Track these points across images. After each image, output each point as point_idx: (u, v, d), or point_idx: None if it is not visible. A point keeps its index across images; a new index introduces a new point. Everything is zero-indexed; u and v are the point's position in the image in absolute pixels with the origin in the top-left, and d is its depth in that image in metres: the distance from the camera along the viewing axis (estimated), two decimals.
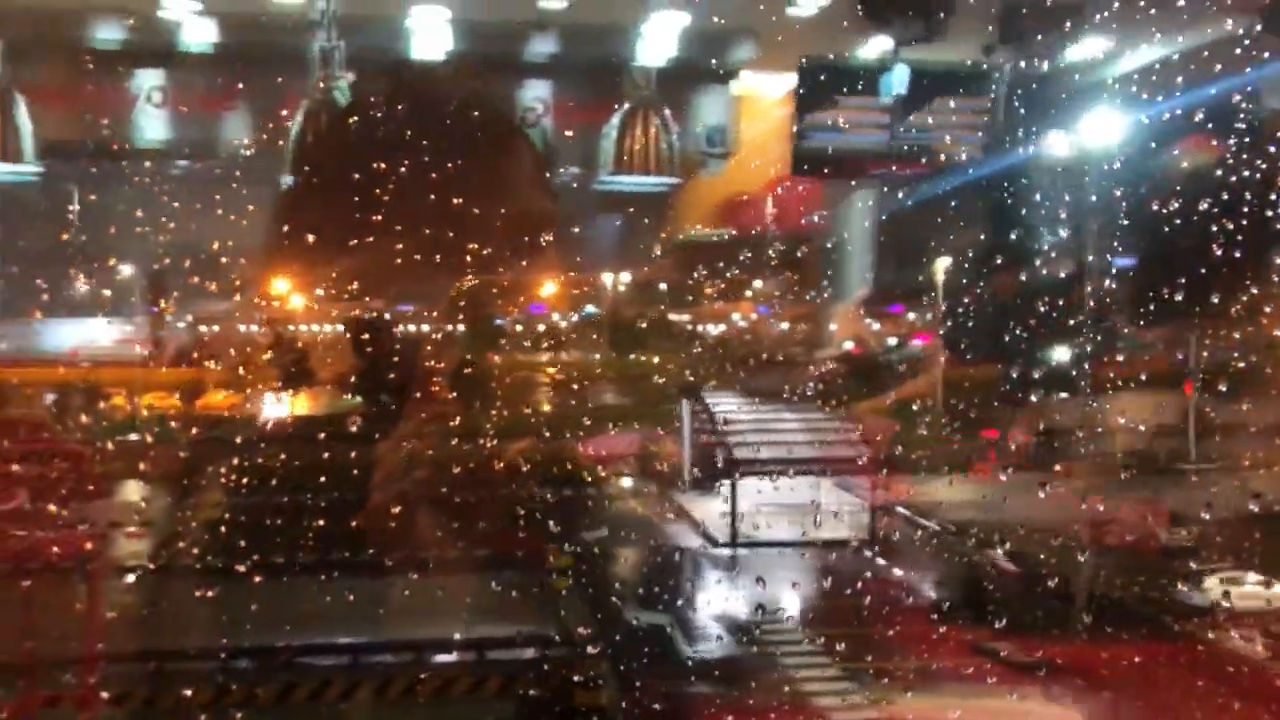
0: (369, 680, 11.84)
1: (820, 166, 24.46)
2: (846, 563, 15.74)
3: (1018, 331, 19.47)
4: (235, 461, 15.37)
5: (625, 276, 25.88)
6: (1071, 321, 16.91)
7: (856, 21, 22.98)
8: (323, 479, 13.97)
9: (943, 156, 24.13)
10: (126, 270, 23.01)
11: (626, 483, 19.06)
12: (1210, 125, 20.27)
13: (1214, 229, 14.94)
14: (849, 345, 25.60)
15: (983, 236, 23.66)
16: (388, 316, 14.34)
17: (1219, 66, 20.53)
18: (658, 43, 23.84)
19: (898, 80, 23.74)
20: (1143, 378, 19.83)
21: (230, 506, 14.54)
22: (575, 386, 20.21)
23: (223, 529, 14.19)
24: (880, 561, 16.07)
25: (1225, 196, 15.79)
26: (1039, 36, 23.14)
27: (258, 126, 24.42)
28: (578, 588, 14.08)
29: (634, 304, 25.71)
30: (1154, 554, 15.29)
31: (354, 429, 14.34)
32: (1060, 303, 18.39)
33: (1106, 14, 21.97)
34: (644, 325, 24.79)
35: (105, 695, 10.84)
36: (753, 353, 24.58)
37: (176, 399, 20.93)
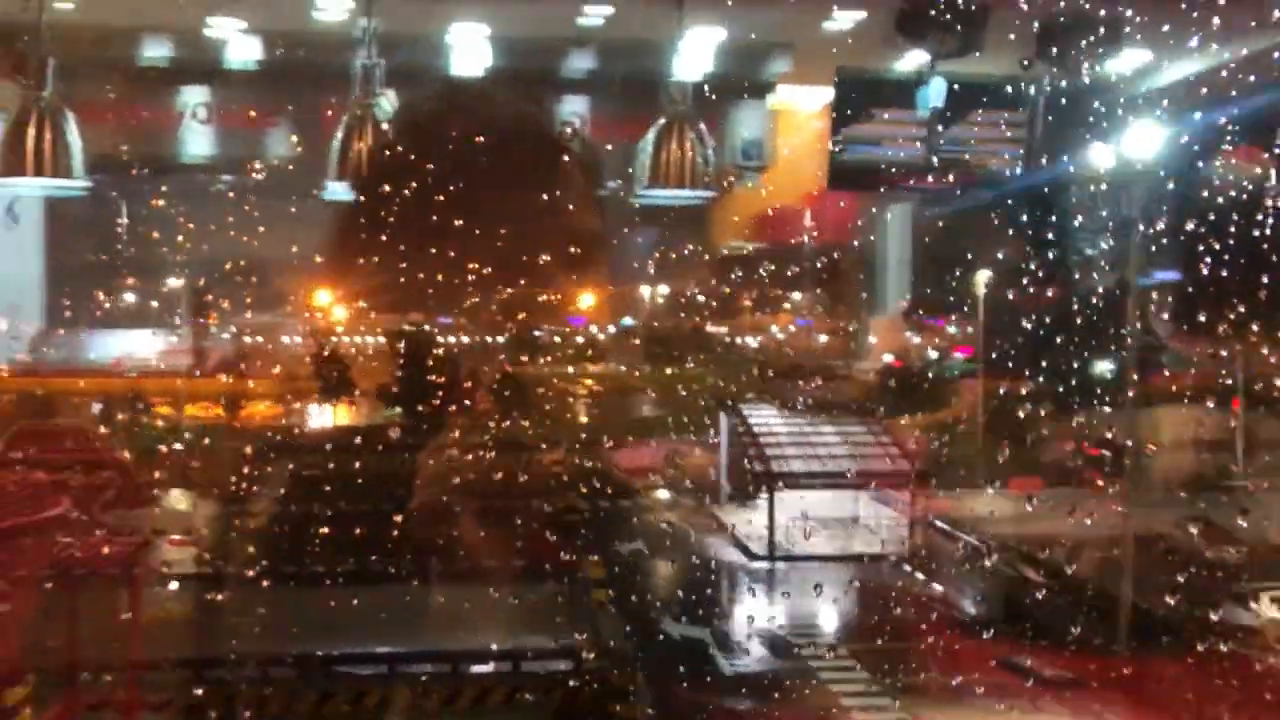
0: (406, 689, 11.91)
1: (857, 179, 24.36)
2: (885, 577, 15.64)
3: (1059, 345, 19.30)
4: (277, 471, 15.56)
5: (663, 289, 25.90)
6: (1114, 335, 16.72)
7: (892, 36, 22.93)
8: (363, 488, 14.11)
9: (981, 169, 23.98)
10: (172, 282, 23.41)
11: (663, 495, 19.07)
12: (1254, 138, 20.00)
13: (1258, 242, 14.73)
14: (889, 358, 25.46)
15: (1022, 249, 23.48)
16: (428, 328, 14.49)
17: (1262, 78, 20.27)
18: (694, 58, 23.86)
19: (934, 93, 23.62)
20: (1187, 393, 19.60)
21: (272, 515, 14.71)
22: (613, 398, 20.28)
23: (264, 537, 14.35)
24: (919, 576, 15.96)
25: (1270, 209, 15.57)
26: (1077, 49, 22.95)
27: (300, 142, 24.74)
28: (614, 599, 14.08)
29: (672, 316, 25.73)
30: (1200, 571, 15.06)
31: (394, 439, 14.48)
32: (1102, 316, 18.20)
33: (1145, 26, 21.77)
34: (681, 337, 24.80)
35: (147, 701, 10.99)
36: (792, 365, 24.55)
37: (220, 409, 21.22)
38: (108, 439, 18.43)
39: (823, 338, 26.99)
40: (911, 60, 23.99)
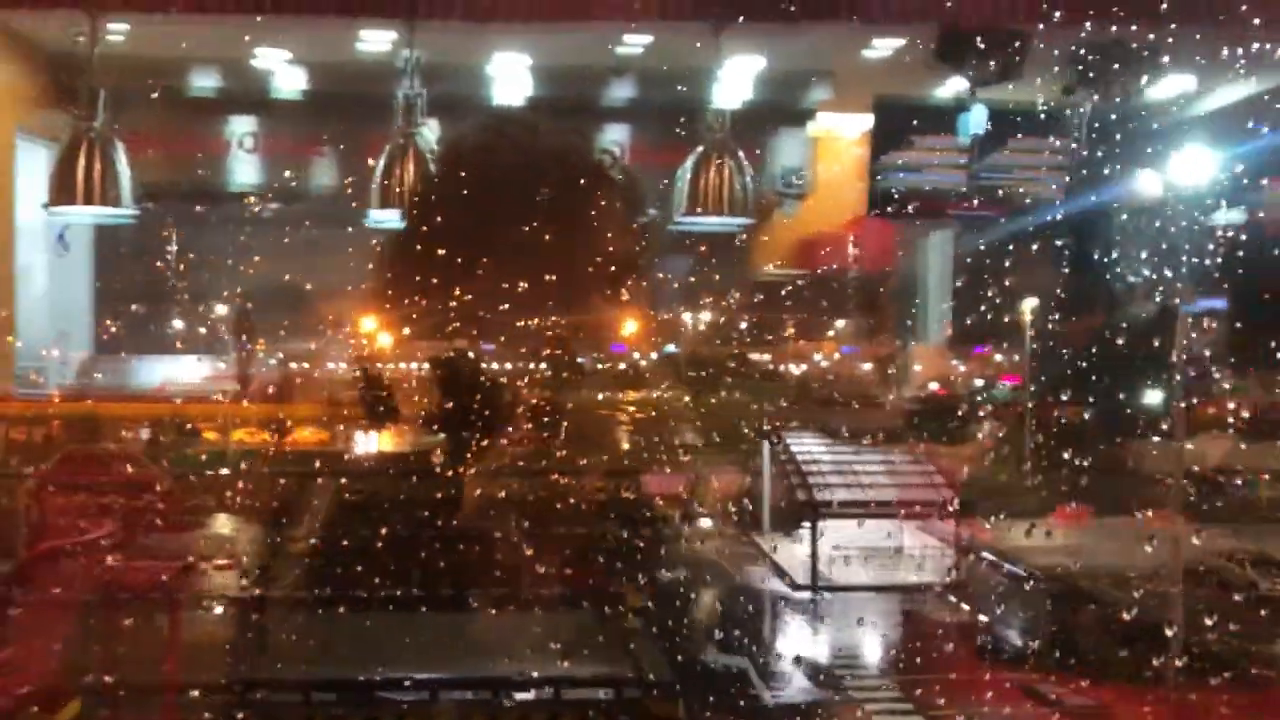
0: (447, 716, 11.88)
1: (898, 206, 24.34)
2: (930, 608, 15.45)
3: (1106, 373, 19.08)
4: (321, 496, 15.65)
5: (705, 316, 25.88)
6: (1161, 364, 16.49)
7: (932, 63, 22.94)
8: (406, 514, 14.15)
9: (1023, 196, 23.85)
10: (219, 309, 23.75)
11: (705, 523, 18.98)
12: None
13: None
14: (934, 386, 25.26)
15: (1067, 277, 23.27)
16: (471, 355, 14.54)
17: None
18: (733, 85, 24.01)
19: (975, 120, 23.59)
20: (1237, 422, 19.26)
21: (315, 540, 14.78)
22: (654, 425, 20.23)
23: (307, 562, 14.42)
24: (964, 607, 15.75)
25: None
26: (1119, 76, 22.82)
27: (344, 171, 25.12)
28: (654, 628, 13.99)
29: (714, 343, 25.68)
30: (1253, 603, 14.74)
31: (437, 465, 14.52)
32: (1149, 344, 17.96)
33: (1188, 52, 21.64)
34: (724, 364, 24.73)
35: None
36: (835, 393, 24.42)
37: (265, 434, 21.42)
38: (153, 463, 18.64)
39: (866, 365, 26.82)
40: (952, 87, 23.98)
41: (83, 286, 26.15)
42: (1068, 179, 23.57)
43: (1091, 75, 22.77)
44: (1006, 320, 23.09)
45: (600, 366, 20.64)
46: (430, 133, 22.72)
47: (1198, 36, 20.91)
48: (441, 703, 12.18)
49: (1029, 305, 22.38)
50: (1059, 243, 23.56)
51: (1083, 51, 22.53)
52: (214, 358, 24.02)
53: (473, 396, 13.70)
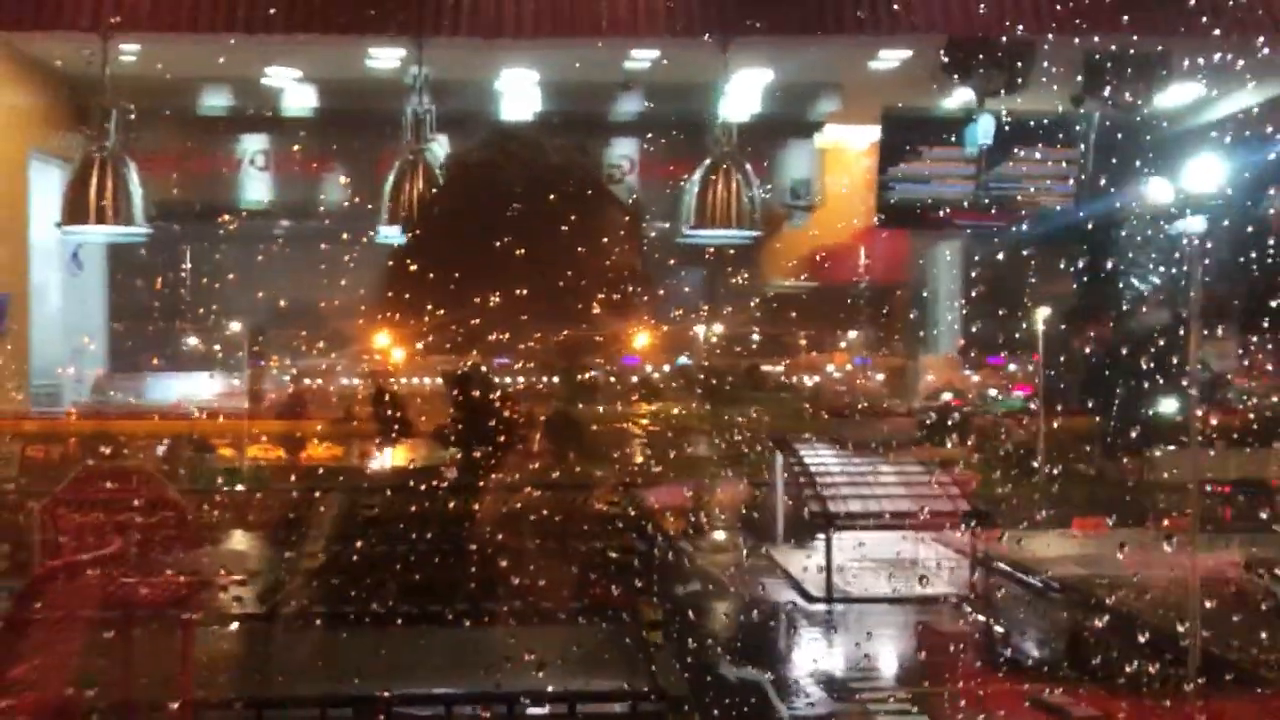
0: None
1: (907, 217, 24.37)
2: (945, 619, 15.35)
3: (1120, 382, 19.03)
4: (335, 512, 15.66)
5: (717, 328, 25.92)
6: (1176, 372, 16.43)
7: (939, 74, 22.99)
8: (420, 529, 14.14)
9: (1032, 206, 23.85)
10: (233, 326, 23.86)
11: (719, 535, 18.93)
12: None
13: None
14: (948, 396, 25.21)
15: (1079, 286, 23.25)
16: (484, 370, 14.56)
17: None
18: (741, 99, 24.09)
19: (983, 130, 23.62)
20: (1253, 430, 19.16)
21: (329, 555, 14.77)
22: (667, 437, 20.22)
23: (322, 578, 14.41)
24: (980, 618, 15.65)
25: None
26: (1127, 84, 22.84)
27: (355, 187, 25.26)
28: (670, 641, 13.93)
29: (726, 355, 25.71)
30: (1273, 614, 14.60)
31: (451, 480, 14.52)
32: (1163, 353, 17.92)
33: (1197, 60, 21.65)
34: (737, 377, 24.75)
35: None
36: (848, 404, 24.40)
37: (280, 450, 21.47)
38: (168, 480, 18.68)
39: (879, 376, 26.80)
40: (959, 97, 24.02)
41: (96, 305, 26.31)
42: (1077, 188, 23.56)
43: (1100, 84, 22.79)
44: (1019, 330, 23.05)
45: (612, 380, 20.69)
46: (440, 149, 22.85)
47: (1206, 44, 20.92)
48: (456, 717, 12.13)
49: (1040, 315, 22.34)
50: (1069, 252, 23.55)
51: (1091, 61, 22.56)
52: (228, 374, 24.12)
53: (486, 411, 13.72)
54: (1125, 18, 20.81)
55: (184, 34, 21.23)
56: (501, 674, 12.52)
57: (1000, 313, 24.49)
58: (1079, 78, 22.92)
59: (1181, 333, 16.53)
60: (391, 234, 22.38)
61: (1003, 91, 22.79)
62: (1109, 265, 22.61)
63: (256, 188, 25.93)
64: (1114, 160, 22.87)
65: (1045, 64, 22.24)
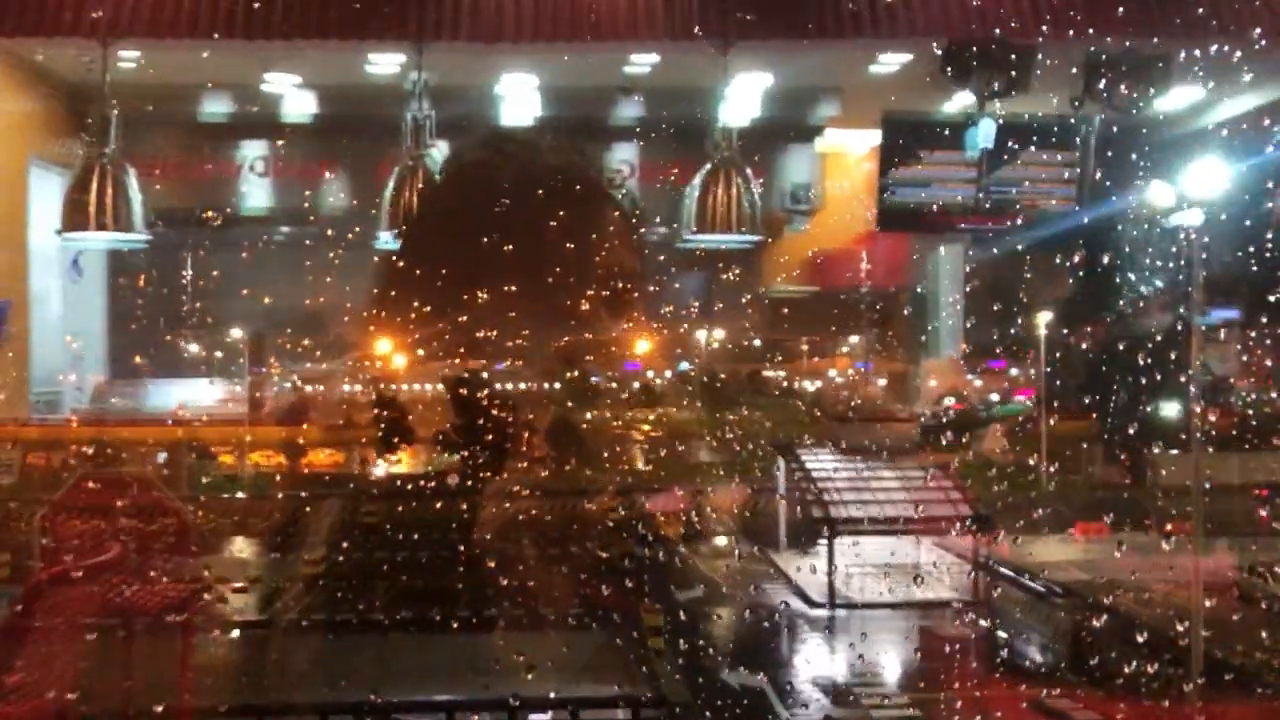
0: None
1: (908, 221, 24.34)
2: (948, 624, 15.31)
3: (1123, 386, 18.99)
4: (336, 518, 15.63)
5: (718, 333, 25.90)
6: (1178, 376, 16.41)
7: (939, 77, 22.97)
8: (421, 535, 14.11)
9: (1033, 209, 23.82)
10: (233, 332, 23.84)
11: (721, 541, 18.89)
12: None
13: None
14: (950, 401, 25.18)
15: (1080, 289, 23.20)
16: (485, 376, 14.53)
17: None
18: (741, 103, 24.08)
19: (984, 134, 23.59)
20: (1257, 433, 19.11)
21: (330, 562, 14.75)
22: (668, 443, 20.20)
23: (322, 585, 14.39)
24: (983, 623, 15.61)
25: None
26: (1128, 87, 22.82)
27: (354, 193, 25.25)
28: (671, 647, 13.90)
29: (727, 360, 25.68)
30: (1275, 616, 14.57)
31: (452, 486, 14.49)
32: (1165, 356, 17.89)
33: (1197, 63, 21.63)
34: (738, 382, 24.72)
35: None
36: (850, 409, 24.38)
37: (281, 457, 21.45)
38: (168, 486, 18.67)
39: (881, 381, 26.77)
40: (959, 101, 24.00)
41: (96, 311, 26.29)
42: (1077, 191, 23.55)
43: (1099, 88, 22.79)
44: (1020, 334, 23.03)
45: (613, 385, 20.66)
46: (439, 154, 22.81)
47: (1205, 48, 20.92)
48: None
49: (1042, 319, 22.30)
50: (1070, 255, 23.51)
51: (1091, 64, 22.56)
52: (228, 380, 24.10)
53: (487, 417, 13.68)
54: (1125, 21, 20.83)
55: (183, 40, 21.22)
56: (502, 680, 12.51)
57: (1001, 316, 24.46)
58: (1079, 81, 22.92)
59: (1182, 336, 16.51)
60: (392, 240, 22.36)
61: (1003, 95, 22.78)
62: (1110, 268, 22.58)
63: (256, 194, 25.93)
64: (1114, 163, 22.85)
65: (1045, 68, 22.24)
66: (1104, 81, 22.71)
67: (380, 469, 18.93)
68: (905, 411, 24.55)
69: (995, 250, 24.97)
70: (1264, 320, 20.99)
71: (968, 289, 26.81)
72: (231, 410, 22.90)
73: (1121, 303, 22.46)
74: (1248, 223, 20.66)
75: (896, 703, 13.25)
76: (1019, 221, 23.88)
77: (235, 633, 14.46)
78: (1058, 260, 23.49)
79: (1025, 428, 22.74)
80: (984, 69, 22.56)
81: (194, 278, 24.38)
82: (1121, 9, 20.60)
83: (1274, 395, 22.11)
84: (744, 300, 25.72)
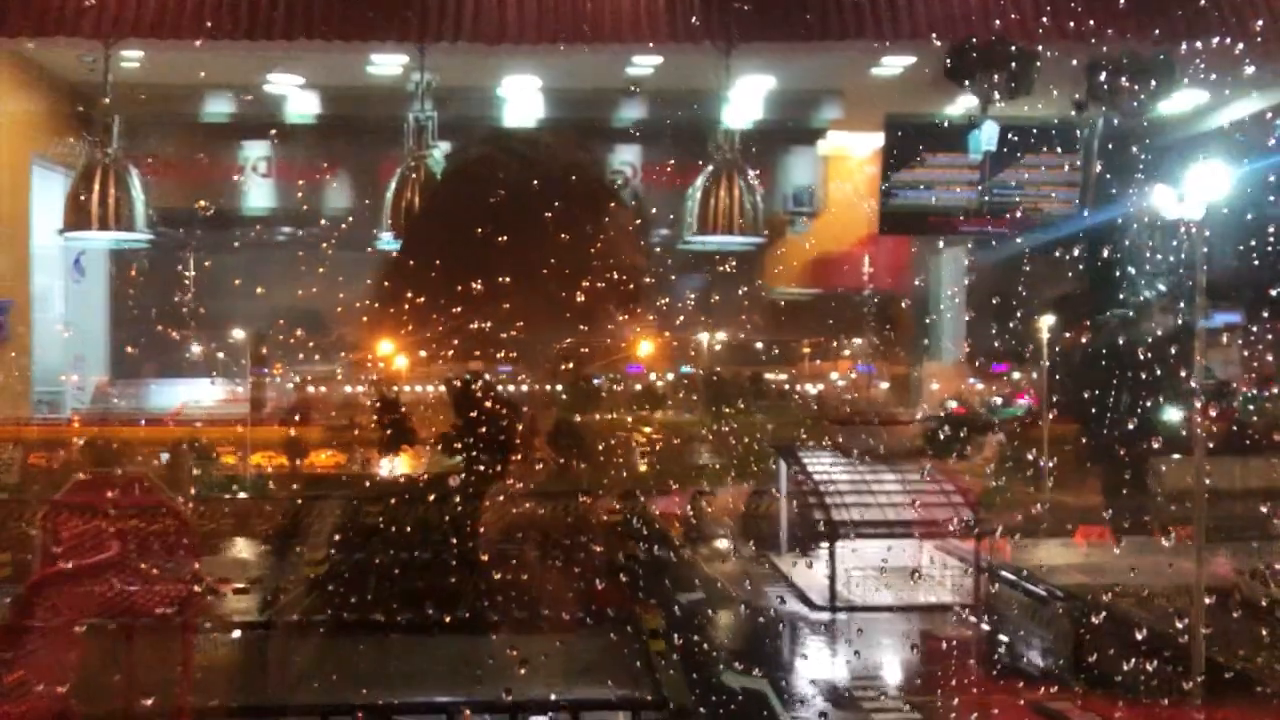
0: None
1: (910, 224, 24.31)
2: (948, 628, 15.32)
3: (1125, 390, 18.95)
4: (337, 519, 15.63)
5: (720, 335, 25.87)
6: (1181, 380, 16.39)
7: (942, 80, 22.96)
8: (422, 537, 14.12)
9: (1035, 213, 23.80)
10: (235, 332, 23.83)
11: (722, 544, 18.89)
12: None
13: None
14: (952, 404, 25.16)
15: (1083, 293, 23.17)
16: (487, 377, 14.53)
17: None
18: (743, 105, 24.07)
19: (986, 137, 23.57)
20: (1260, 437, 19.09)
21: (331, 563, 14.76)
22: (670, 446, 20.19)
23: (324, 586, 14.38)
24: (983, 627, 15.61)
25: None
26: (1130, 91, 22.80)
27: (357, 194, 25.24)
28: (673, 650, 13.89)
29: (729, 363, 25.66)
30: (1272, 620, 14.56)
31: (454, 487, 14.49)
32: (1168, 360, 17.87)
33: (1200, 67, 21.61)
34: (740, 384, 24.71)
35: None
36: (852, 412, 24.35)
37: (283, 458, 21.44)
38: (168, 487, 18.67)
39: (883, 384, 26.74)
40: (962, 104, 23.98)
41: (98, 311, 26.29)
42: (1080, 194, 23.53)
43: (1101, 91, 22.77)
44: (1022, 338, 22.99)
45: (616, 387, 20.67)
46: (441, 155, 22.80)
47: (1208, 52, 20.90)
48: None
49: (1045, 323, 22.27)
50: (1073, 258, 23.48)
51: (1094, 67, 22.54)
52: (230, 381, 24.10)
53: (489, 418, 13.68)
54: (1127, 25, 20.81)
55: (186, 41, 21.21)
56: (505, 682, 12.49)
57: (1003, 319, 24.43)
58: (1081, 84, 22.91)
59: (1185, 339, 16.50)
60: (394, 241, 22.36)
61: (1005, 98, 22.77)
62: (1112, 271, 22.55)
63: (258, 194, 25.92)
64: (1116, 166, 22.84)
65: (1047, 71, 22.22)
66: (1106, 85, 22.70)
67: (382, 470, 18.94)
68: (907, 414, 24.53)
69: (998, 253, 24.94)
70: (1266, 323, 20.96)
71: (969, 291, 26.79)
72: (233, 410, 22.88)
73: (1123, 306, 22.43)
74: (1250, 225, 20.65)
75: (897, 704, 13.23)
76: (1021, 224, 23.87)
77: (236, 633, 14.45)
78: (1060, 263, 23.47)
79: (1027, 431, 22.71)
80: (986, 72, 22.55)
81: (196, 278, 24.37)
82: (1123, 12, 20.58)
83: (1276, 393, 22.05)
84: (745, 302, 25.70)
